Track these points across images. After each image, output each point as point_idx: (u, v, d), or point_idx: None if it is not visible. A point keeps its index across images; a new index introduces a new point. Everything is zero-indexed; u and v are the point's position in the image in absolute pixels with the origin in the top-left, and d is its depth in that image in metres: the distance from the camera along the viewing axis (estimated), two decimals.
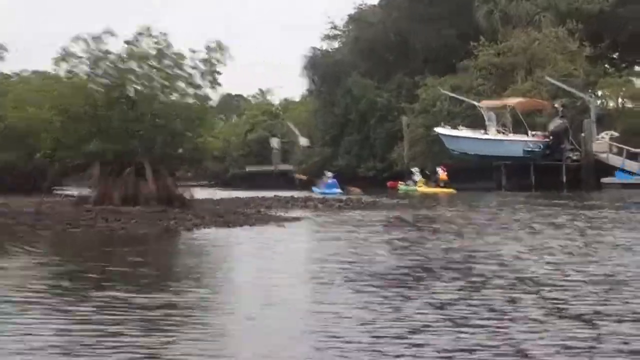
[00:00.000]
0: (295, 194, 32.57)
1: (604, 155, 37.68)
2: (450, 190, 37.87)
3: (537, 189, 37.33)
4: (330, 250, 11.19)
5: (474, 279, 8.19)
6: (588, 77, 42.07)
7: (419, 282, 8.00)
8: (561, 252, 10.19)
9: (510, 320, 6.19)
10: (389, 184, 45.12)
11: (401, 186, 42.24)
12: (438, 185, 39.60)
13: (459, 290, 7.53)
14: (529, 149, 39.02)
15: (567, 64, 42.63)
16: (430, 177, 41.34)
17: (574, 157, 39.30)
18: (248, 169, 71.65)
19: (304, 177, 48.65)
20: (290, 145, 68.47)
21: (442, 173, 40.27)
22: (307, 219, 17.72)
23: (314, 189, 39.71)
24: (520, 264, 9.22)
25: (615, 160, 36.87)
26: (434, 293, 7.37)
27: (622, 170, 34.63)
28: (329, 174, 40.94)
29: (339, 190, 37.27)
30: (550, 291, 7.31)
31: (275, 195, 28.83)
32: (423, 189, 39.82)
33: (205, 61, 21.98)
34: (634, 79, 45.35)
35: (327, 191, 36.57)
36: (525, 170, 39.92)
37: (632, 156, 36.19)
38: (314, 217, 18.51)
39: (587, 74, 42.15)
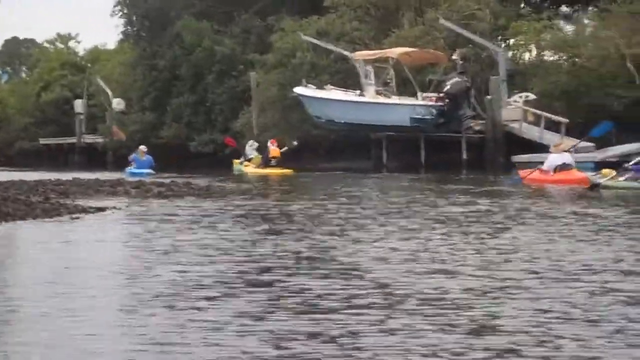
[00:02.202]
0: (104, 175, 32.18)
1: (516, 125, 37.33)
2: (284, 170, 37.83)
3: (428, 169, 37.13)
4: (122, 254, 10.96)
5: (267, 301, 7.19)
6: (497, 20, 41.82)
7: (212, 301, 7.13)
8: (429, 259, 9.57)
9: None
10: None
11: (235, 164, 42.44)
12: (268, 165, 39.29)
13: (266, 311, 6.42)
14: (418, 117, 38.20)
15: (470, 2, 42.29)
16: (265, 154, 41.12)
17: (477, 128, 38.99)
18: (42, 141, 71.05)
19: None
20: (100, 110, 67.54)
21: (272, 149, 40.03)
22: (113, 210, 17.01)
23: (127, 169, 38.85)
24: (371, 277, 8.40)
25: (531, 132, 36.45)
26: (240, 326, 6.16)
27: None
28: (144, 148, 40.42)
29: (149, 171, 36.79)
30: (399, 313, 6.56)
31: (74, 178, 27.99)
32: (251, 169, 39.87)
33: None
34: (561, 22, 45.36)
35: (136, 171, 36.34)
36: (413, 145, 39.76)
37: (553, 126, 35.87)
38: (124, 208, 17.86)
39: (495, 15, 41.92)
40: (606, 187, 21.11)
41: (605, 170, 22.66)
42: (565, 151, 26.04)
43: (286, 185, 29.36)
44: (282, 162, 39.24)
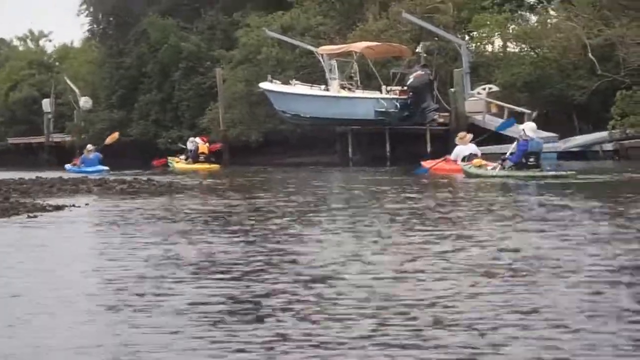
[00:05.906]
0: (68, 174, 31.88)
1: (479, 117, 37.17)
2: (211, 166, 39.11)
3: (394, 162, 36.96)
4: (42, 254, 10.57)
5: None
6: (460, 13, 41.71)
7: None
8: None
9: None
10: (155, 161, 45.85)
11: (170, 160, 43.39)
12: (197, 160, 40.26)
13: None
14: (382, 110, 37.98)
15: None
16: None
17: (441, 120, 38.72)
18: (10, 140, 69.96)
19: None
20: (68, 109, 66.52)
21: (201, 145, 40.96)
22: (71, 209, 16.84)
23: (67, 167, 39.41)
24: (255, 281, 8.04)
25: (494, 123, 36.10)
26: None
27: None
28: (90, 147, 40.61)
29: (104, 168, 37.12)
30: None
31: (37, 177, 27.78)
32: (181, 164, 40.92)
33: None
34: (527, 13, 45.08)
35: (86, 169, 36.25)
36: (378, 138, 39.65)
37: (517, 117, 35.66)
38: (83, 206, 17.58)
39: (458, 8, 41.80)
40: (478, 176, 22.77)
41: (475, 161, 24.15)
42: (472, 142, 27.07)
43: (249, 181, 28.69)
44: (210, 158, 40.40)
